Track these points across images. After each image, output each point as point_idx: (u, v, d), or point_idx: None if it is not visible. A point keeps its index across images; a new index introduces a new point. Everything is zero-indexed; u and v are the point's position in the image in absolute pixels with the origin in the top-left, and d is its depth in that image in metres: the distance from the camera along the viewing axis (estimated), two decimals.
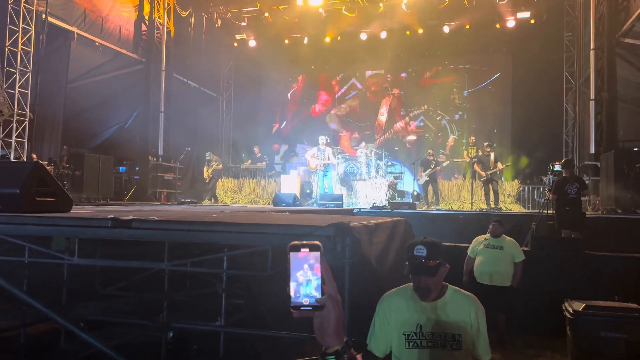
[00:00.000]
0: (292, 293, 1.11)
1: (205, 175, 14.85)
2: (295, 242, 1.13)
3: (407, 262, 2.33)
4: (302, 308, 1.11)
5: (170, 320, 4.49)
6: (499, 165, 12.15)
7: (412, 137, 18.73)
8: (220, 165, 15.11)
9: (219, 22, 17.36)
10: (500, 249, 6.26)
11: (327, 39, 17.86)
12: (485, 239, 6.42)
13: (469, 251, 6.49)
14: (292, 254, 1.12)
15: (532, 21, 16.19)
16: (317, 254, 1.12)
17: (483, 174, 12.03)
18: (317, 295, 1.11)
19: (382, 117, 19.30)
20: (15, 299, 4.19)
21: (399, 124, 19.08)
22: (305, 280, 1.11)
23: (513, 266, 6.23)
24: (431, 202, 13.08)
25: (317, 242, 1.13)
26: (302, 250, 1.12)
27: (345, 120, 19.75)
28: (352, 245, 2.67)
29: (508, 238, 6.41)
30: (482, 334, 2.34)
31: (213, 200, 14.67)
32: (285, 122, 20.52)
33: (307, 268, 1.11)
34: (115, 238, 3.25)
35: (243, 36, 18.64)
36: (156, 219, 3.19)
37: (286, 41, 18.39)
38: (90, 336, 3.16)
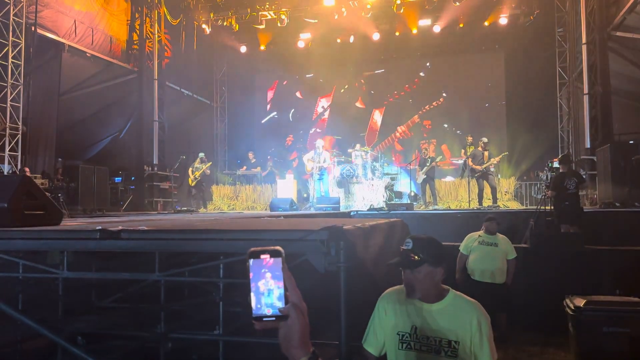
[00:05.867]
0: (253, 304, 1.04)
1: (192, 177, 14.01)
2: (255, 248, 1.06)
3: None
4: (264, 319, 1.04)
5: (168, 330, 4.42)
6: (493, 160, 12.10)
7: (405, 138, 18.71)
8: (209, 171, 14.46)
9: (210, 29, 17.33)
10: (495, 245, 6.24)
11: (310, 44, 17.84)
12: (479, 235, 6.39)
13: (461, 248, 6.44)
14: (252, 261, 1.04)
15: (531, 18, 16.11)
16: (279, 260, 1.05)
17: (479, 167, 11.98)
18: (280, 304, 1.04)
19: (376, 122, 19.24)
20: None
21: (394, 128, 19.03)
22: (267, 289, 1.04)
23: (506, 263, 6.22)
24: (429, 202, 13.03)
25: (278, 248, 1.06)
26: (262, 256, 1.04)
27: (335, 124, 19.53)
28: (346, 248, 2.61)
29: (501, 235, 6.41)
30: (485, 344, 2.17)
31: (203, 207, 14.10)
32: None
33: (269, 276, 1.04)
34: (104, 250, 3.18)
35: (234, 43, 18.64)
36: (145, 228, 3.12)
37: (271, 47, 18.36)
38: (82, 351, 3.10)
